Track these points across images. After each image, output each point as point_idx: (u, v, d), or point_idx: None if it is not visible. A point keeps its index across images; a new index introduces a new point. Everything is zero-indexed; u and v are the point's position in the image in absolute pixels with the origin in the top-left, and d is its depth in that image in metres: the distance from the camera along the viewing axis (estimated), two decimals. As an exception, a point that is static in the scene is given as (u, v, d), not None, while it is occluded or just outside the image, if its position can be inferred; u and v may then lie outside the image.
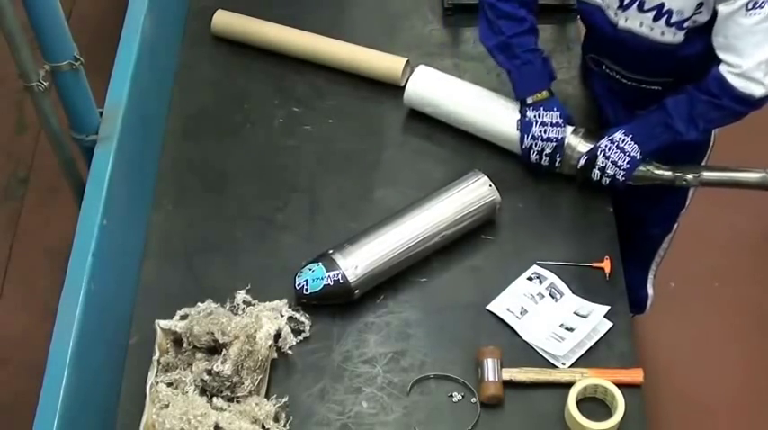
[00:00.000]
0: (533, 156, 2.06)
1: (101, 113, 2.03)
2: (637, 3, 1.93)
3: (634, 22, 1.95)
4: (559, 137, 2.05)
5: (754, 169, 2.02)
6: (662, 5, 1.90)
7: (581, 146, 2.05)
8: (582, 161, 2.03)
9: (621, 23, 1.97)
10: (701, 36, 1.93)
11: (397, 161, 2.18)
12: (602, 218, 2.08)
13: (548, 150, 2.05)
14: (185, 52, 2.39)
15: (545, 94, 2.07)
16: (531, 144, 2.05)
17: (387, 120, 2.27)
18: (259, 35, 2.36)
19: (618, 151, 2.00)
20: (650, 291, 2.64)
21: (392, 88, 2.29)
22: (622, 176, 2.00)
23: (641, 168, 2.02)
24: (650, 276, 2.59)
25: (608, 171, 2.00)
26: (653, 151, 2.01)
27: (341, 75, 2.32)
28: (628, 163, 1.99)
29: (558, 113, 2.05)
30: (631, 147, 1.99)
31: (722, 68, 1.91)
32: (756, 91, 1.90)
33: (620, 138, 2.00)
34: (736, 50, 1.89)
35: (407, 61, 2.29)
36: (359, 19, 2.46)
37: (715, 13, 1.89)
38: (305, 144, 2.22)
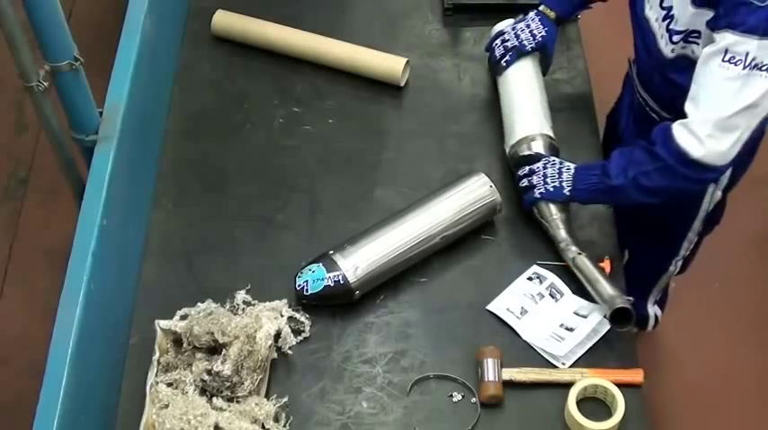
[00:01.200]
0: (498, 40, 2.18)
1: (101, 113, 2.02)
2: None
3: (653, 13, 1.95)
4: (525, 44, 2.15)
5: (613, 288, 1.86)
6: (671, 7, 1.90)
7: (537, 146, 2.04)
8: (526, 152, 2.02)
9: (647, 11, 1.97)
10: (690, 72, 1.87)
11: (397, 161, 2.19)
12: (602, 217, 2.08)
13: (509, 44, 2.16)
14: (185, 52, 2.39)
15: (552, 14, 2.16)
16: (508, 31, 2.18)
17: (387, 120, 2.27)
18: (259, 35, 2.36)
19: (557, 172, 1.96)
20: (651, 311, 2.63)
21: (392, 88, 2.29)
22: (538, 193, 1.96)
23: (552, 207, 1.97)
24: (650, 300, 2.59)
25: (534, 178, 1.98)
26: (582, 192, 1.94)
27: (341, 75, 2.32)
28: (553, 187, 1.95)
29: (544, 33, 2.15)
30: (567, 178, 1.95)
31: (675, 122, 1.83)
32: (694, 150, 1.79)
33: (566, 165, 1.97)
34: (696, 101, 1.80)
35: (407, 61, 2.29)
36: (359, 19, 2.46)
37: None
38: (305, 144, 2.22)
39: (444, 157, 2.18)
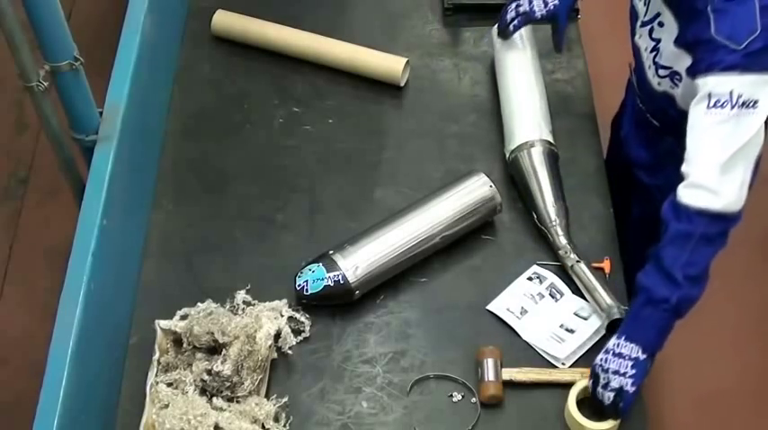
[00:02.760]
0: (512, 4, 2.16)
1: (101, 113, 2.03)
2: (650, 27, 1.90)
3: (643, 42, 1.95)
4: (536, 10, 2.12)
5: (611, 297, 1.86)
6: (660, 40, 1.89)
7: (536, 152, 2.03)
8: (590, 383, 1.78)
9: (636, 38, 1.97)
10: (674, 114, 1.85)
11: (397, 161, 2.19)
12: (602, 218, 2.08)
13: (521, 8, 2.14)
14: (185, 52, 2.39)
15: None
16: (519, 2, 2.17)
17: (387, 120, 2.27)
18: (259, 35, 2.36)
19: (616, 359, 1.73)
20: None
21: (392, 88, 2.29)
22: (631, 385, 1.72)
23: (552, 213, 1.96)
24: None
25: (612, 384, 1.73)
26: (655, 340, 1.74)
27: (341, 75, 2.32)
28: (632, 367, 1.72)
29: (557, 2, 2.11)
30: (629, 349, 1.73)
31: (678, 189, 1.71)
32: (712, 203, 1.67)
33: (614, 345, 1.74)
34: (691, 160, 1.70)
35: (407, 61, 2.29)
36: (359, 19, 2.46)
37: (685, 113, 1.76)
38: (305, 144, 2.22)
39: (444, 157, 2.18)
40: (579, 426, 1.78)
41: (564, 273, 1.96)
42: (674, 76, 1.86)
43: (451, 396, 1.85)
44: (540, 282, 1.96)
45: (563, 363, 1.86)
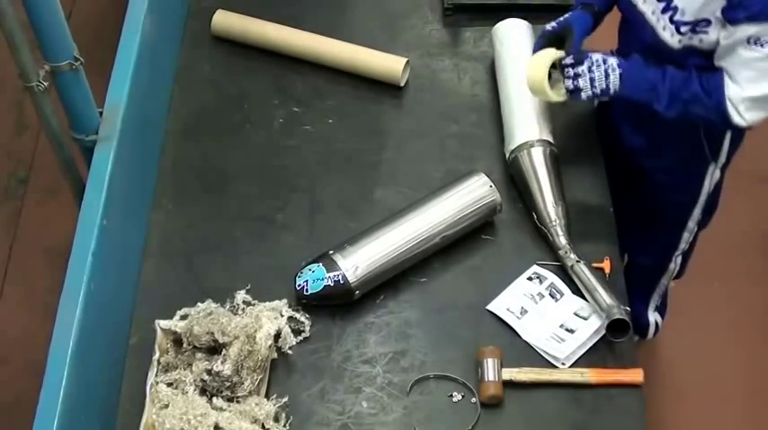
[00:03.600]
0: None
1: (101, 113, 2.02)
2: None
3: (649, 6, 1.95)
4: (546, 28, 2.09)
5: (611, 297, 1.86)
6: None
7: (536, 152, 2.04)
8: (568, 60, 1.94)
9: (640, 5, 1.97)
10: (699, 60, 1.90)
11: (397, 161, 2.19)
12: (602, 218, 2.08)
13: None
14: (185, 52, 2.39)
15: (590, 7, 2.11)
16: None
17: (387, 120, 2.27)
18: (259, 35, 2.36)
19: (603, 74, 1.91)
20: (651, 318, 2.63)
21: (392, 88, 2.29)
22: (585, 96, 1.93)
23: (552, 213, 1.98)
24: (651, 306, 2.59)
25: (579, 82, 1.92)
26: (626, 98, 1.94)
27: (341, 75, 2.32)
28: (600, 90, 1.92)
29: (569, 16, 2.08)
30: (614, 81, 1.92)
31: (725, 77, 1.89)
32: (734, 118, 1.90)
33: (611, 66, 1.92)
34: (731, 75, 1.88)
35: (407, 61, 2.29)
36: (359, 19, 2.46)
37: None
38: (305, 144, 2.22)
39: (444, 157, 2.18)
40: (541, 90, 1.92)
41: (564, 273, 1.96)
42: (697, 25, 1.89)
43: (451, 396, 1.85)
44: (540, 282, 1.96)
45: (563, 363, 1.87)
